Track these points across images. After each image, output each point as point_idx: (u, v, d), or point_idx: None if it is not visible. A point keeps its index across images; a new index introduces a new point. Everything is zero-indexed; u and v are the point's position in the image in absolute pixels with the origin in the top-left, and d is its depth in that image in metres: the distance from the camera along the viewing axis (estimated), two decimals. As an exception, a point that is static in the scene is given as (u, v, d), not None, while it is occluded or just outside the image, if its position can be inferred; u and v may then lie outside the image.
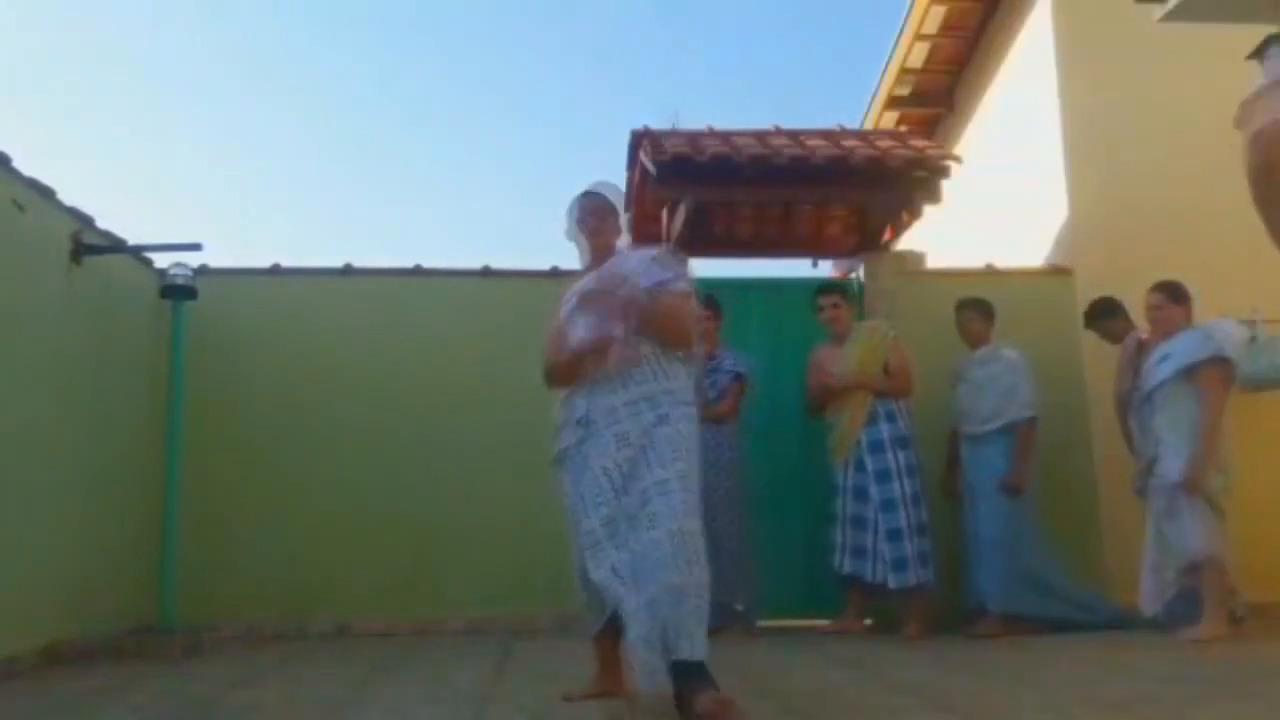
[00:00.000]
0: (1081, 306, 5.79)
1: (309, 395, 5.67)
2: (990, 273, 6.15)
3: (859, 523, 5.11)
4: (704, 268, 6.20)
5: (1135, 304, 5.23)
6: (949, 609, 5.25)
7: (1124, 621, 4.99)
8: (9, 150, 4.09)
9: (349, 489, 5.55)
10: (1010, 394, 5.15)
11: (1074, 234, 6.20)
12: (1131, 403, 5.08)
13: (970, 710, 2.96)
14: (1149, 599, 4.81)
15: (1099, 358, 5.62)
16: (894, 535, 5.00)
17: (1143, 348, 5.13)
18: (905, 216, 6.20)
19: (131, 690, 3.58)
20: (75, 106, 21.47)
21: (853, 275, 6.38)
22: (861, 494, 5.12)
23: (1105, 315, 5.34)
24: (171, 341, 5.18)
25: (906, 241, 6.71)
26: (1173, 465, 4.67)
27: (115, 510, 5.02)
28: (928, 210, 6.10)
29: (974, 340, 5.40)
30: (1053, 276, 6.19)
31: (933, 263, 6.28)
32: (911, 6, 7.35)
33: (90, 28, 21.14)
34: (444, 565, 5.52)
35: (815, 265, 7.14)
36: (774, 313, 5.99)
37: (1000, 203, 7.10)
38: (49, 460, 4.41)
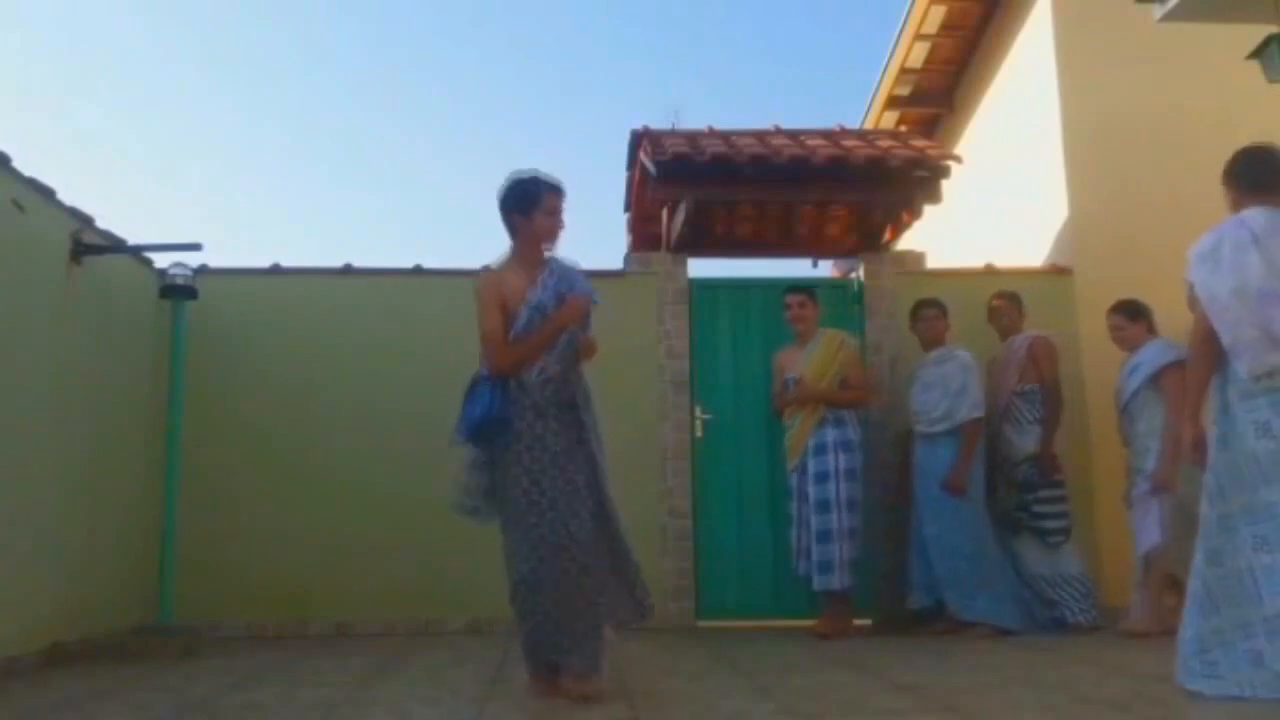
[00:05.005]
0: (1081, 306, 5.79)
1: (309, 395, 5.67)
2: (990, 273, 6.14)
3: (807, 525, 5.14)
4: (704, 268, 6.25)
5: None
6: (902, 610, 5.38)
7: (1063, 628, 5.06)
8: (9, 150, 4.10)
9: (349, 489, 5.54)
10: (962, 395, 5.22)
11: (1074, 234, 6.20)
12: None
13: (970, 710, 2.96)
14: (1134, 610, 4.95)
15: (1098, 358, 5.61)
16: (824, 537, 5.04)
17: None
18: (905, 216, 6.20)
19: (131, 690, 3.58)
20: (75, 105, 21.48)
21: (853, 275, 6.37)
22: (806, 497, 5.16)
23: (1131, 315, 5.27)
24: (171, 341, 5.18)
25: (906, 241, 6.71)
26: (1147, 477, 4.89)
27: (115, 511, 5.03)
28: (928, 210, 6.10)
29: (932, 340, 5.47)
30: (1053, 276, 6.18)
31: (933, 263, 6.28)
32: (911, 6, 7.34)
33: (87, 27, 21.16)
34: (444, 565, 5.51)
35: (815, 265, 7.15)
36: (774, 313, 6.00)
37: (1000, 203, 7.10)
38: (49, 461, 4.41)
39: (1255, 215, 3.14)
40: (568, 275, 3.43)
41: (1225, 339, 3.07)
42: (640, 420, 5.74)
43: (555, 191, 3.40)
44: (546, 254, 3.45)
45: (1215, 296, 3.09)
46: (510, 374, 3.29)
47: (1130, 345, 5.11)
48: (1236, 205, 3.28)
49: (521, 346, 3.30)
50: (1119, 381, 5.16)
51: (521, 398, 3.27)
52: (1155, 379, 4.92)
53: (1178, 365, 4.76)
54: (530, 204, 3.37)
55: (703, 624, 5.59)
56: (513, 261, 3.43)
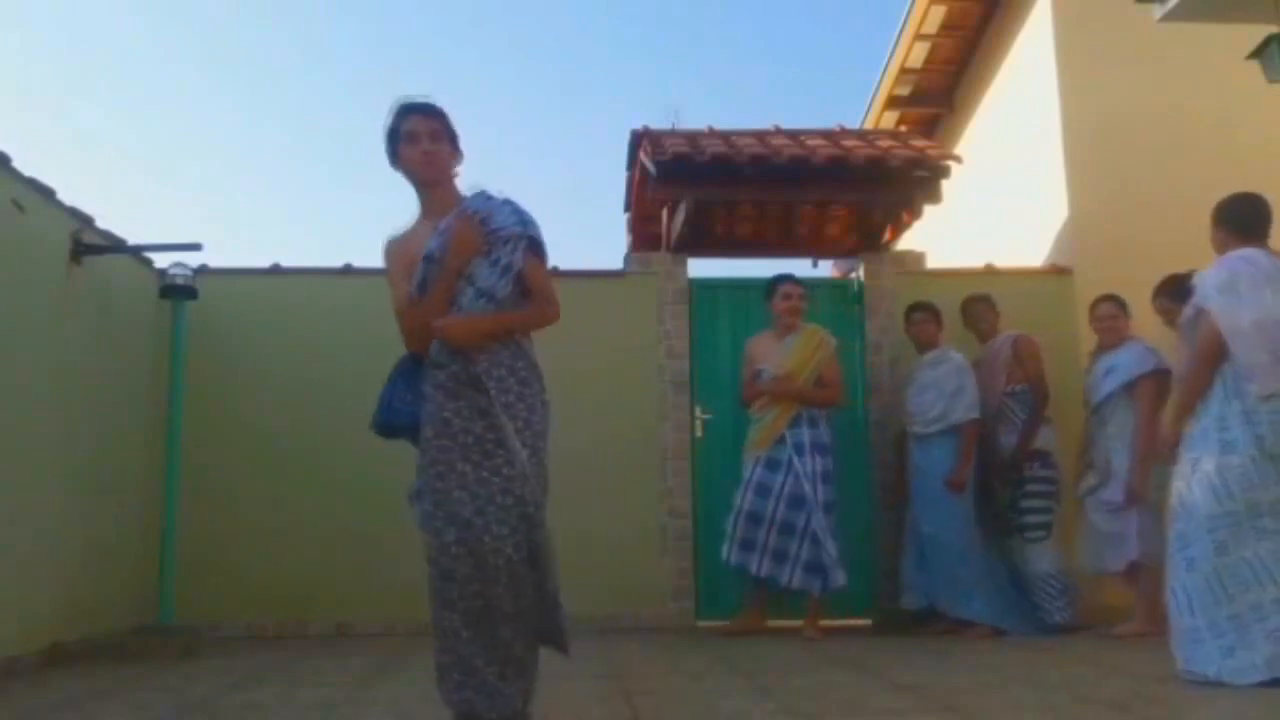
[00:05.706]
0: (1081, 306, 5.79)
1: (309, 395, 5.66)
2: (990, 273, 6.14)
3: (754, 518, 5.03)
4: (704, 268, 6.25)
5: (1138, 304, 5.22)
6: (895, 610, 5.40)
7: (1051, 631, 5.04)
8: (9, 150, 4.10)
9: (349, 489, 5.53)
10: (958, 396, 5.23)
11: (1074, 234, 6.20)
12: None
13: (970, 710, 2.96)
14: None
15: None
16: (806, 537, 4.96)
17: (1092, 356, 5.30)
18: (905, 216, 6.20)
19: (131, 690, 3.58)
20: (75, 106, 21.48)
21: (852, 275, 6.37)
22: (764, 491, 5.05)
23: (1123, 306, 5.27)
24: (171, 341, 5.18)
25: (906, 241, 6.71)
26: (1119, 485, 4.92)
27: (115, 510, 5.02)
28: (928, 210, 6.10)
29: (925, 343, 5.49)
30: (1053, 276, 6.18)
31: (933, 263, 6.28)
32: (911, 6, 7.34)
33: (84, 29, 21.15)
34: (444, 565, 5.51)
35: (815, 265, 7.15)
36: (774, 312, 6.02)
37: (1000, 203, 7.10)
38: (49, 461, 4.41)
39: (1257, 255, 3.48)
40: (481, 210, 2.67)
41: (1241, 362, 3.37)
42: (640, 420, 5.74)
43: (411, 112, 2.68)
44: (465, 194, 2.75)
45: (1237, 325, 3.39)
46: (422, 348, 2.65)
47: (1120, 337, 5.11)
48: (1223, 245, 3.60)
49: (418, 310, 2.63)
50: (1091, 379, 5.17)
51: (430, 375, 2.65)
52: (1130, 385, 4.94)
53: (1154, 375, 4.88)
54: (393, 140, 2.69)
55: (703, 624, 5.58)
56: (419, 219, 2.76)
